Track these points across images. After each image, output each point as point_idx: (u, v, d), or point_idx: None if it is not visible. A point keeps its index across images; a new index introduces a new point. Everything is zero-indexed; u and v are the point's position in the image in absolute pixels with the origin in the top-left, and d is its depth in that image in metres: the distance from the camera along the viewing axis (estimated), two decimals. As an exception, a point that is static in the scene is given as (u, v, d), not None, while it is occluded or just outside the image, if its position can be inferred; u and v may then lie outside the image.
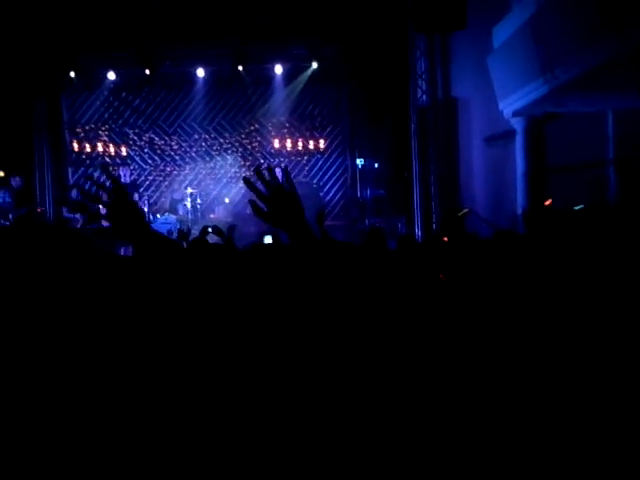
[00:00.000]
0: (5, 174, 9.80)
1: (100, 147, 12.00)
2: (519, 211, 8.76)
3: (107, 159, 12.05)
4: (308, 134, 12.04)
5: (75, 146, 11.98)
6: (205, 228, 6.36)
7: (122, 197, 1.60)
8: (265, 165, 11.08)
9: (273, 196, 1.77)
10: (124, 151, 12.04)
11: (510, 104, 8.70)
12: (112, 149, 12.05)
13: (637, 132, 6.01)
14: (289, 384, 1.49)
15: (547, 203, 7.11)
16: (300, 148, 12.08)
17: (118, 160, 12.00)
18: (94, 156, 12.07)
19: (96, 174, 11.71)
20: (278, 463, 1.31)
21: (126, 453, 1.27)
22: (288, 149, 12.08)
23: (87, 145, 12.01)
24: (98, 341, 1.44)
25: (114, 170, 11.74)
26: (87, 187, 1.62)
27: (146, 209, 11.07)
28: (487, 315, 1.94)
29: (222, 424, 1.38)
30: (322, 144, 12.07)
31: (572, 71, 6.69)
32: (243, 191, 11.95)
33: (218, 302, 1.73)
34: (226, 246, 3.60)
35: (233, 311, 1.70)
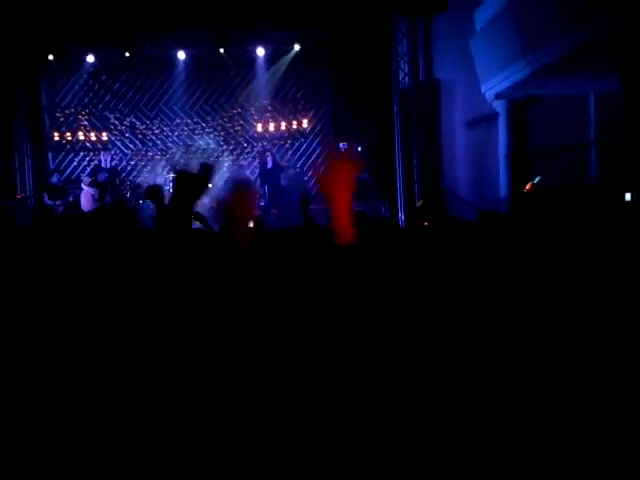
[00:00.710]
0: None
1: (80, 132, 11.84)
2: (501, 193, 8.83)
3: (87, 144, 11.89)
4: (291, 117, 11.98)
5: (55, 134, 11.80)
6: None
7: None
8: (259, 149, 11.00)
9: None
10: (105, 136, 11.89)
11: (492, 87, 8.73)
12: (92, 134, 11.88)
13: (618, 114, 6.07)
14: (277, 376, 1.50)
15: (527, 188, 7.18)
16: (283, 131, 12.02)
17: (99, 145, 11.85)
18: (74, 141, 11.90)
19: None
20: (279, 451, 1.32)
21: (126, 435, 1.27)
22: (271, 132, 12.01)
23: (67, 131, 11.84)
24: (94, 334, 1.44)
25: (95, 155, 11.61)
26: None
27: (128, 195, 10.97)
28: (472, 296, 1.96)
29: (225, 411, 1.39)
30: (305, 127, 12.02)
31: (553, 53, 6.73)
32: (226, 175, 11.89)
33: (200, 287, 1.73)
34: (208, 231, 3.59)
35: (214, 294, 1.70)
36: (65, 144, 11.88)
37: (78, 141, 11.89)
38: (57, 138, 11.82)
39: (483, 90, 8.99)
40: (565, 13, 6.28)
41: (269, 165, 10.80)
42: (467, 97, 9.60)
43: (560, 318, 1.77)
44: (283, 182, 10.87)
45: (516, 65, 7.58)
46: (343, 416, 1.43)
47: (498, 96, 8.83)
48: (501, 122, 9.15)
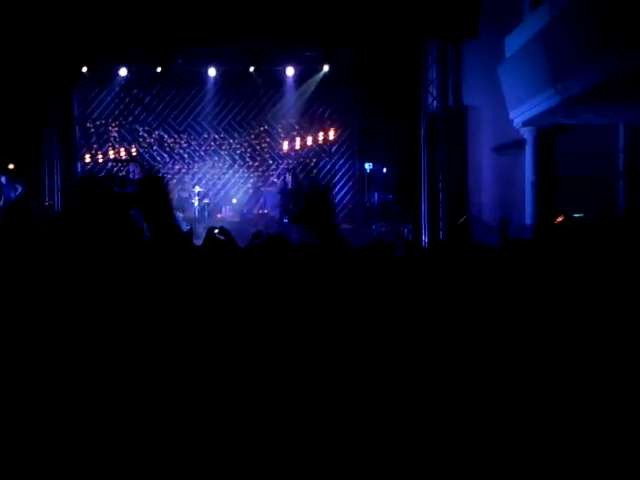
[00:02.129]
0: (15, 167, 9.84)
1: (110, 144, 12.03)
2: (527, 220, 8.75)
3: (116, 156, 12.07)
4: (317, 137, 12.05)
5: (85, 146, 12.01)
6: (212, 229, 6.36)
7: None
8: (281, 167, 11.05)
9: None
10: (133, 148, 12.07)
11: (520, 114, 8.70)
12: (122, 147, 12.07)
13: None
14: (288, 379, 1.49)
15: (559, 220, 7.11)
16: (309, 150, 12.08)
17: (127, 157, 12.02)
18: (103, 152, 12.10)
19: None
20: (281, 449, 1.31)
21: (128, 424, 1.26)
22: (297, 151, 12.09)
23: (97, 141, 12.04)
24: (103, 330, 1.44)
25: (124, 166, 11.77)
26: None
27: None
28: (495, 320, 1.93)
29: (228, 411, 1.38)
30: (331, 147, 12.07)
31: (584, 83, 6.68)
32: (251, 192, 11.96)
33: (223, 296, 1.72)
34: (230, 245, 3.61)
35: (236, 305, 1.70)
36: (94, 154, 12.08)
37: (107, 152, 12.08)
38: (87, 154, 12.02)
39: (511, 117, 8.96)
40: (597, 43, 6.25)
41: (289, 185, 10.72)
42: (494, 123, 9.57)
43: (583, 348, 1.74)
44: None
45: (545, 93, 7.54)
46: (343, 416, 1.41)
47: (526, 123, 8.79)
48: (528, 149, 9.10)
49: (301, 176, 11.31)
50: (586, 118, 8.13)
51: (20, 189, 9.39)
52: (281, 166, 12.03)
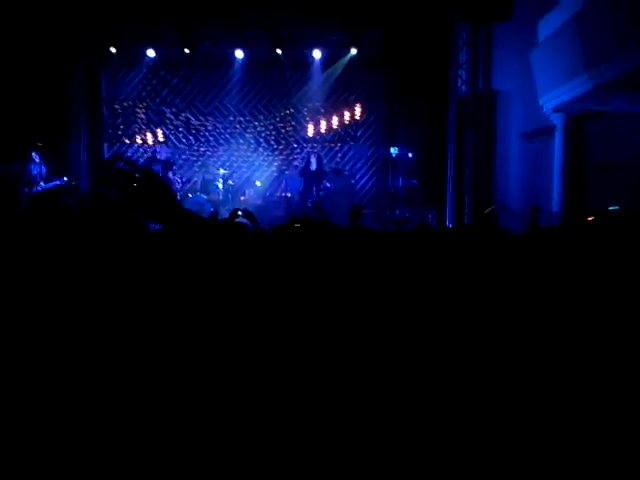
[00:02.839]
0: (43, 144, 9.94)
1: (137, 125, 12.11)
2: (555, 208, 8.62)
3: (143, 137, 12.14)
4: (343, 120, 11.98)
5: (112, 126, 12.11)
6: (235, 210, 6.39)
7: (152, 179, 1.57)
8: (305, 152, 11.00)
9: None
10: (159, 131, 12.13)
11: (551, 99, 8.55)
12: (148, 128, 12.14)
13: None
14: (304, 368, 1.48)
15: (589, 219, 6.96)
16: (334, 134, 12.03)
17: (153, 138, 12.09)
18: (130, 133, 12.18)
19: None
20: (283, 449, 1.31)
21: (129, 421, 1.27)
22: (322, 135, 12.04)
23: (124, 122, 12.13)
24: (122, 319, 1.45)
25: (150, 147, 11.83)
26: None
27: (179, 187, 11.14)
28: (520, 309, 1.90)
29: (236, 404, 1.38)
30: (356, 131, 12.00)
31: (618, 69, 6.54)
32: (275, 175, 11.97)
33: (243, 280, 1.72)
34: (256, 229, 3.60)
35: (258, 290, 1.69)
36: (121, 135, 12.17)
37: (134, 133, 12.16)
38: (113, 130, 12.12)
39: (541, 102, 8.82)
40: (632, 29, 6.10)
41: (312, 167, 10.74)
42: (524, 109, 9.43)
43: (607, 343, 1.71)
44: (329, 186, 10.85)
45: (578, 79, 7.40)
46: (344, 416, 1.40)
47: (556, 109, 8.64)
48: (558, 136, 8.95)
49: (324, 161, 11.29)
50: (618, 105, 7.95)
51: (62, 181, 9.53)
52: (305, 149, 12.00)
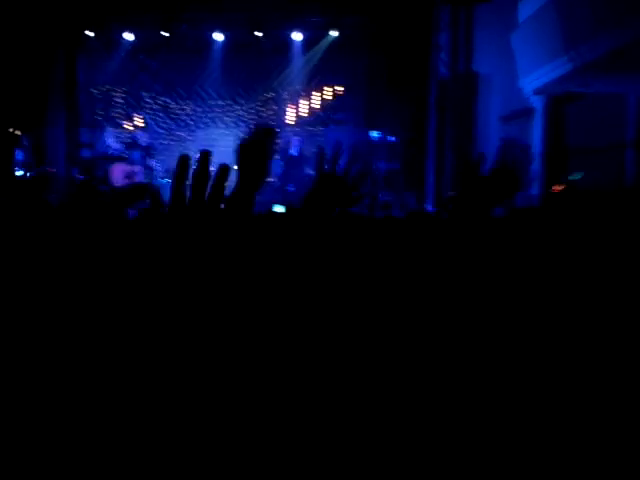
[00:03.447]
0: (21, 133, 9.80)
1: (115, 110, 11.95)
2: (533, 191, 8.68)
3: (121, 122, 11.98)
4: (325, 104, 11.91)
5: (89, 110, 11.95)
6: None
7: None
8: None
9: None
10: (138, 116, 11.97)
11: (531, 81, 8.57)
12: (127, 112, 11.98)
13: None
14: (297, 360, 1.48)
15: (556, 189, 7.03)
16: (315, 118, 11.96)
17: (131, 123, 11.94)
18: (108, 118, 12.01)
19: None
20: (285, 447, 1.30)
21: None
22: (303, 118, 11.97)
23: (101, 107, 11.96)
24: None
25: (130, 133, 11.68)
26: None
27: (160, 174, 11.01)
28: (499, 294, 1.91)
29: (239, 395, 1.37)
30: (338, 115, 11.95)
31: (597, 50, 6.56)
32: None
33: (224, 267, 1.70)
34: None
35: (239, 276, 1.68)
36: (101, 120, 11.99)
37: (111, 118, 11.99)
38: (91, 115, 11.95)
39: (521, 84, 8.83)
40: (610, 10, 6.12)
41: (294, 151, 10.62)
42: (504, 91, 9.44)
43: (583, 322, 1.71)
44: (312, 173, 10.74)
45: (557, 60, 7.41)
46: (343, 415, 1.40)
47: (537, 91, 8.66)
48: (537, 118, 8.98)
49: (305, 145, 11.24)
50: (597, 86, 8.00)
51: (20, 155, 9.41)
52: (285, 133, 11.90)
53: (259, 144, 1.48)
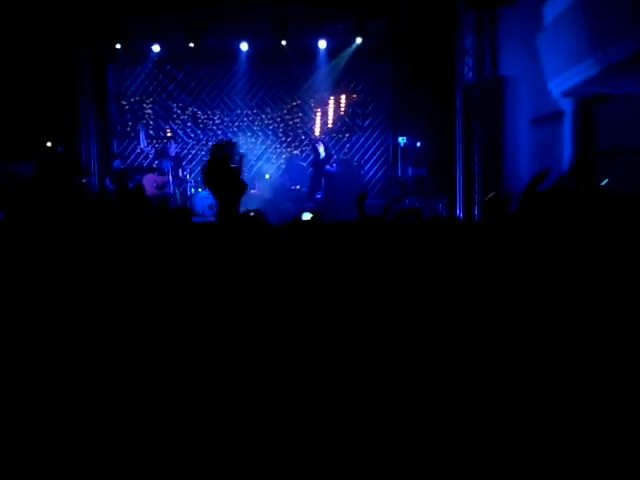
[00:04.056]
0: (52, 144, 10.02)
1: (144, 121, 12.13)
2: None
3: (151, 132, 12.16)
4: (350, 110, 11.93)
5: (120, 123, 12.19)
6: (247, 212, 6.35)
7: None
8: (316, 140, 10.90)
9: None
10: (168, 127, 12.15)
11: (559, 84, 8.44)
12: (156, 122, 12.16)
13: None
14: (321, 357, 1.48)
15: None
16: (342, 124, 11.98)
17: (161, 133, 12.11)
18: (138, 129, 12.18)
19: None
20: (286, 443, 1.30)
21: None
22: (330, 126, 11.99)
23: (132, 118, 12.16)
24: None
25: (159, 143, 11.85)
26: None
27: (189, 183, 11.12)
28: (527, 297, 1.88)
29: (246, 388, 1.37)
30: (364, 121, 11.95)
31: (625, 50, 6.44)
32: (283, 167, 11.95)
33: (253, 274, 1.71)
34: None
35: (268, 282, 1.68)
36: (130, 131, 12.19)
37: (142, 129, 12.16)
38: (122, 126, 12.17)
39: (549, 87, 8.70)
40: (637, 10, 6.01)
41: (321, 155, 10.57)
42: (533, 94, 9.32)
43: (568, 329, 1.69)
44: (331, 169, 10.54)
45: (585, 62, 7.29)
46: (343, 415, 1.39)
47: (565, 93, 8.53)
48: (567, 121, 8.84)
49: (333, 151, 11.21)
50: (628, 87, 7.84)
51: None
52: (310, 139, 11.88)
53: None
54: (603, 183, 6.95)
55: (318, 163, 10.60)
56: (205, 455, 1.30)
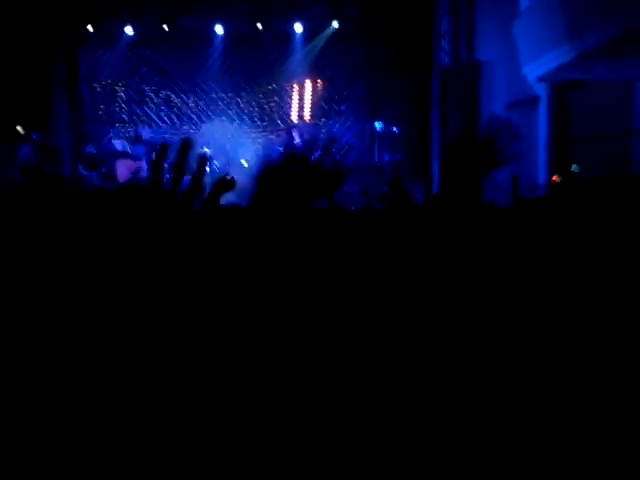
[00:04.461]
0: (25, 131, 9.83)
1: (117, 104, 11.93)
2: (540, 180, 8.63)
3: (124, 117, 11.96)
4: (326, 95, 11.85)
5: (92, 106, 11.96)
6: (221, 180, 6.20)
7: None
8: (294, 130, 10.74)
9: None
10: (140, 109, 11.95)
11: (535, 69, 8.49)
12: (129, 106, 11.96)
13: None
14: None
15: (554, 180, 6.97)
16: (318, 109, 11.91)
17: (135, 117, 11.92)
18: (111, 113, 11.99)
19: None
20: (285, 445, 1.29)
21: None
22: (305, 110, 11.91)
23: (104, 102, 11.95)
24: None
25: (131, 127, 11.68)
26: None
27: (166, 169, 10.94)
28: (501, 286, 1.88)
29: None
30: (340, 106, 11.89)
31: (600, 36, 6.48)
32: (259, 153, 11.84)
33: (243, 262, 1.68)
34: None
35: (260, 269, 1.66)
36: (101, 115, 11.97)
37: (114, 113, 11.97)
38: (95, 111, 11.95)
39: (525, 72, 8.75)
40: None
41: (296, 140, 10.41)
42: (508, 80, 9.36)
43: (583, 319, 1.68)
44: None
45: (560, 48, 7.34)
46: (343, 415, 1.38)
47: (540, 79, 8.58)
48: (542, 106, 8.91)
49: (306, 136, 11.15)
50: (603, 73, 7.91)
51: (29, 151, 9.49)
52: (287, 124, 11.76)
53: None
54: (573, 169, 7.01)
55: (293, 147, 10.44)
56: (204, 454, 1.28)
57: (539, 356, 1.47)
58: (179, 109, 11.97)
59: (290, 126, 11.15)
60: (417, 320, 1.57)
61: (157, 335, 1.33)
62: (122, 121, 11.97)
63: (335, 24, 10.91)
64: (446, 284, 1.77)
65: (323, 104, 11.87)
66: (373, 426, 1.32)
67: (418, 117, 10.51)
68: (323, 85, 11.80)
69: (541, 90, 8.82)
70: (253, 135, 11.95)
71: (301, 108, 11.91)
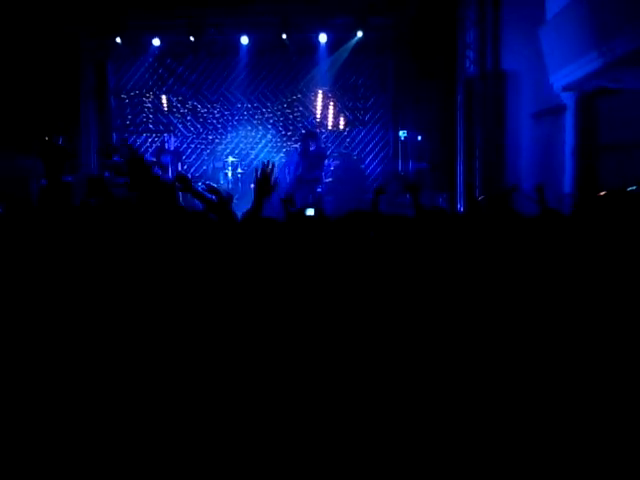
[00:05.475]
0: (49, 138, 9.99)
1: (144, 115, 12.10)
2: (566, 189, 8.52)
3: (151, 126, 12.13)
4: (351, 104, 11.88)
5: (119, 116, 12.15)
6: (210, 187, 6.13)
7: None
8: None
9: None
10: (167, 119, 12.12)
11: (561, 78, 8.40)
12: (156, 116, 12.13)
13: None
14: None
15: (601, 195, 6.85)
16: (342, 119, 11.94)
17: (161, 127, 12.08)
18: (138, 122, 12.17)
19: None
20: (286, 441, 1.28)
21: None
22: (330, 119, 11.95)
23: (131, 112, 12.13)
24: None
25: (157, 137, 11.84)
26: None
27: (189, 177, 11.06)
28: (526, 293, 1.86)
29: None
30: (364, 115, 11.90)
31: (629, 44, 6.40)
32: (284, 161, 11.89)
33: (254, 268, 1.69)
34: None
35: (271, 276, 1.66)
36: (129, 125, 12.16)
37: (141, 122, 12.15)
38: (122, 120, 12.14)
39: (551, 81, 8.66)
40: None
41: (311, 148, 10.28)
42: (534, 88, 9.28)
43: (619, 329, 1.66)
44: (330, 165, 10.71)
45: (588, 56, 7.25)
46: (343, 415, 1.37)
47: (567, 87, 8.49)
48: (569, 115, 8.80)
49: (330, 145, 11.15)
50: (630, 82, 7.79)
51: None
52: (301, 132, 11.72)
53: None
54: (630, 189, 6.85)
55: (307, 154, 10.24)
56: (204, 452, 1.28)
57: (569, 356, 1.45)
58: (204, 119, 12.10)
59: (305, 134, 10.93)
60: (445, 319, 1.57)
61: (168, 336, 1.35)
62: (149, 130, 12.13)
63: (360, 34, 10.93)
64: (472, 286, 1.76)
65: (347, 113, 11.90)
66: (373, 426, 1.31)
67: (443, 126, 10.46)
68: (347, 95, 11.82)
69: (567, 99, 8.72)
70: (278, 144, 12.02)
71: (325, 117, 11.94)
